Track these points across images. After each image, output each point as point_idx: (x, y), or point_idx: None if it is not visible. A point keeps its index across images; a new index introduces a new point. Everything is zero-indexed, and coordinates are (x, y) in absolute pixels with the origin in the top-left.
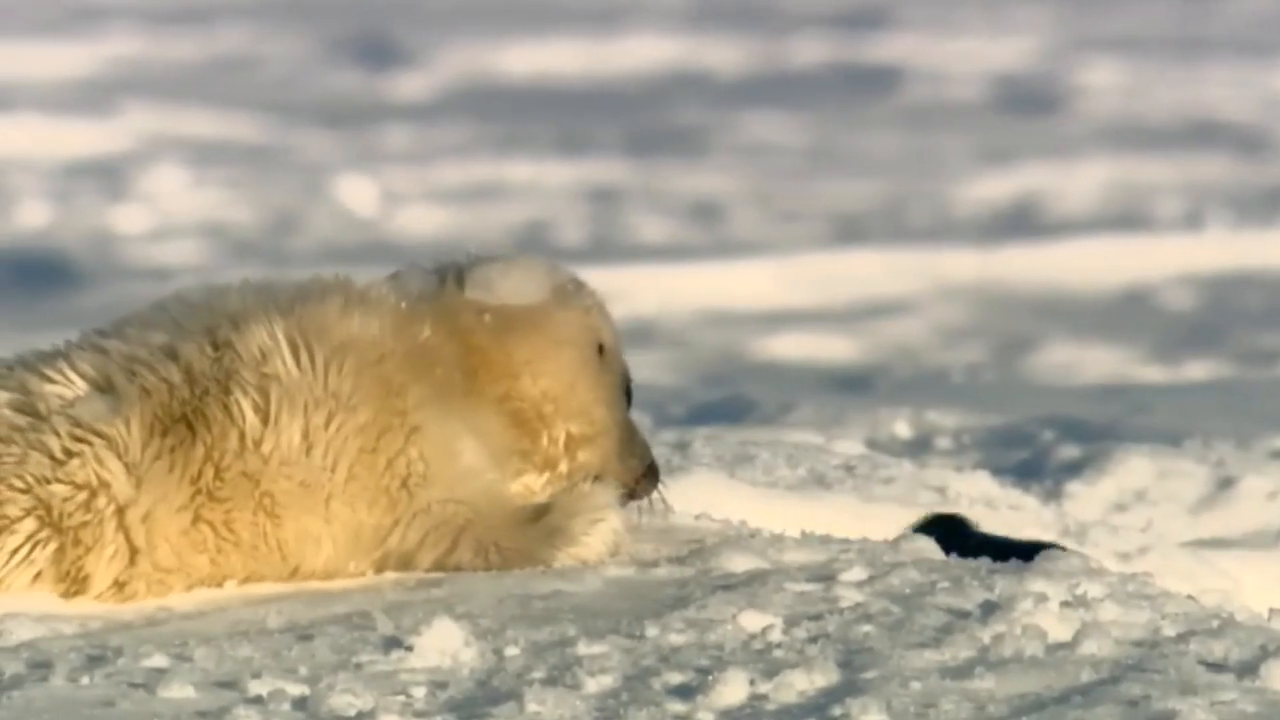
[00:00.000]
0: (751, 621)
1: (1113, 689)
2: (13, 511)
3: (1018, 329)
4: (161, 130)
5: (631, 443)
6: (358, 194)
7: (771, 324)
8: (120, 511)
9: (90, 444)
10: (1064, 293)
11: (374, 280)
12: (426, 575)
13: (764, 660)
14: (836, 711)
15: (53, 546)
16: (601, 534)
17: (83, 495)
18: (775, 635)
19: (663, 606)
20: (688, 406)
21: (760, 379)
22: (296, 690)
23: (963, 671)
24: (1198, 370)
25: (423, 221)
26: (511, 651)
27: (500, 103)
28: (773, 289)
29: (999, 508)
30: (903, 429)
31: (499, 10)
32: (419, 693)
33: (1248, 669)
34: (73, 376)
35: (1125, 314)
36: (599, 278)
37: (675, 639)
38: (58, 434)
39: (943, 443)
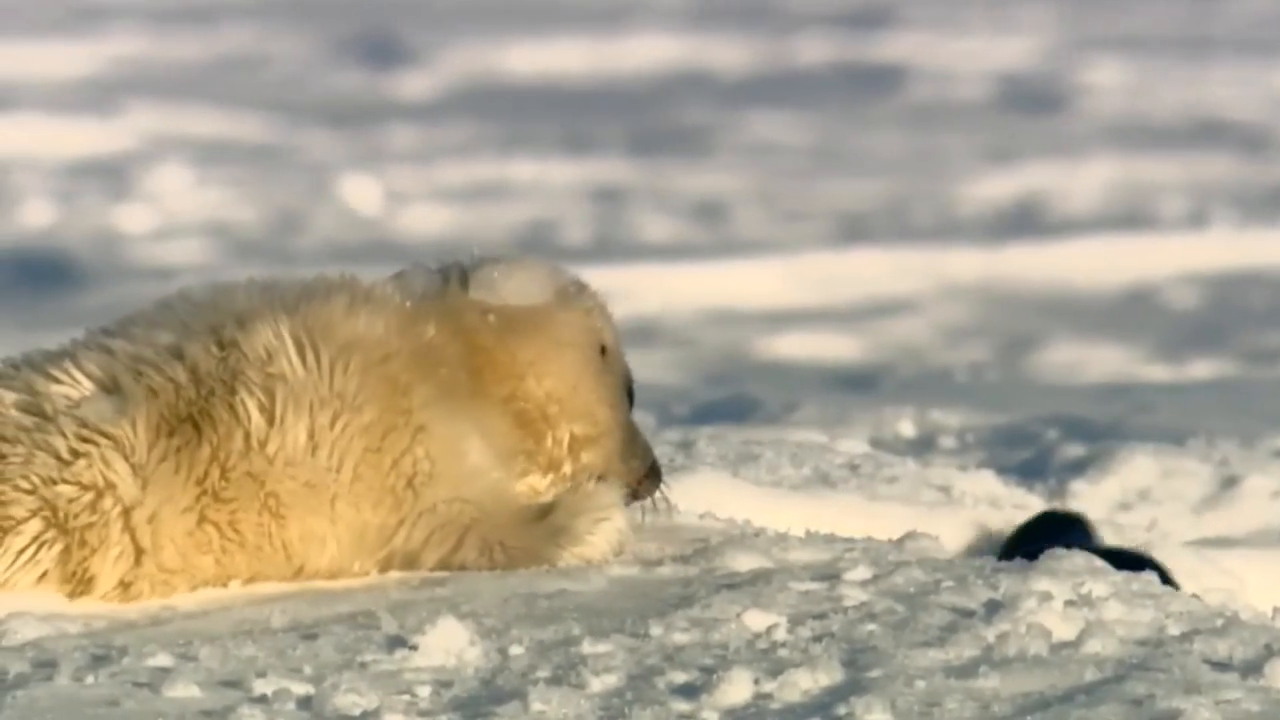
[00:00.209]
0: (756, 620)
1: (1117, 688)
2: (18, 512)
3: (1022, 328)
4: (165, 130)
5: (633, 443)
6: (362, 193)
7: (776, 323)
8: (126, 512)
9: (97, 445)
10: (1068, 292)
11: (378, 279)
12: (431, 574)
13: (768, 659)
14: (841, 710)
15: (58, 547)
16: (606, 533)
17: (89, 496)
18: (780, 634)
19: (667, 606)
20: (692, 406)
21: (764, 378)
22: (301, 689)
23: (967, 670)
24: (1202, 369)
25: (427, 221)
26: (516, 651)
27: (504, 102)
28: (777, 288)
29: (1003, 507)
30: (907, 428)
31: (503, 10)
32: (424, 692)
33: (1252, 668)
34: (79, 377)
35: (1129, 313)
36: (603, 277)
37: (680, 638)
38: (64, 434)
39: (947, 442)
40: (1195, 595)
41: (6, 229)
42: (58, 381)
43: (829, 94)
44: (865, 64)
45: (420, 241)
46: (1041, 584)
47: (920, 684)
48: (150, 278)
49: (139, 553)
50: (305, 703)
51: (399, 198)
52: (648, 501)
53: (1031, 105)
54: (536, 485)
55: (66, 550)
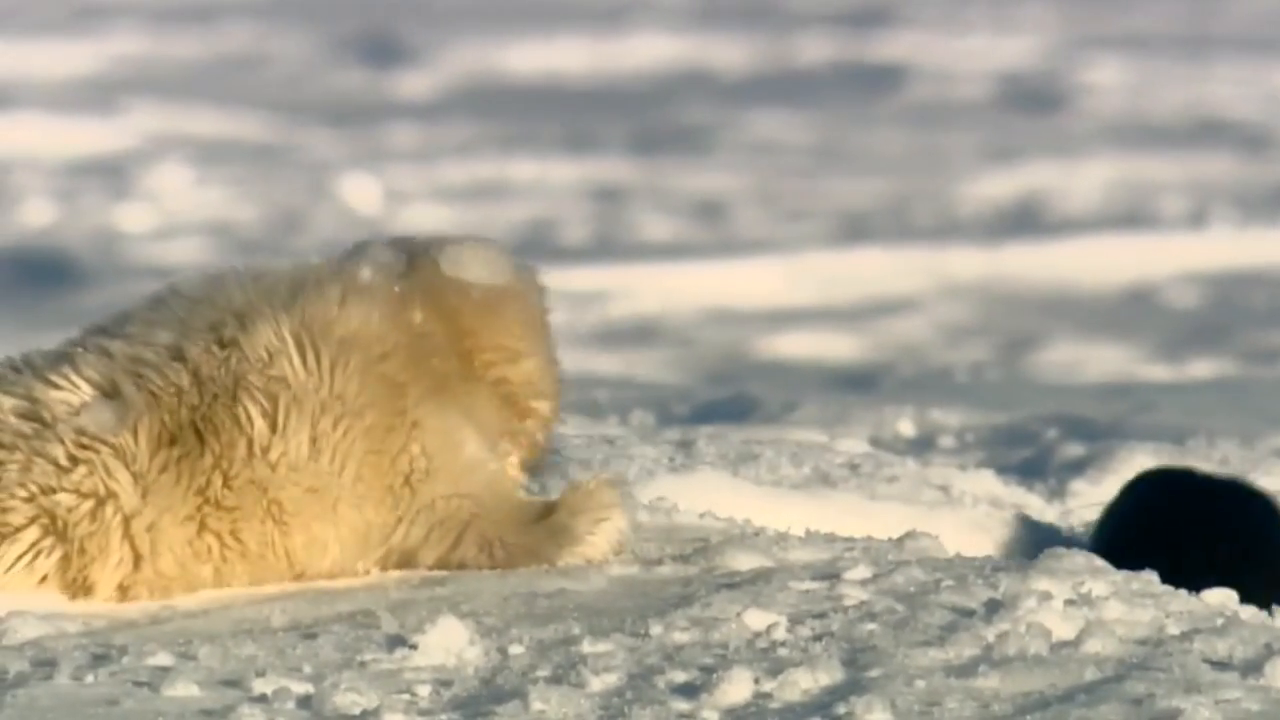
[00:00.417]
0: (756, 620)
1: (1117, 687)
2: (16, 519)
3: (1022, 327)
4: (166, 129)
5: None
6: (362, 192)
7: (776, 322)
8: (126, 521)
9: (98, 453)
10: (1068, 291)
11: (347, 258)
12: (431, 574)
13: (768, 659)
14: (841, 710)
15: (57, 554)
16: (606, 533)
17: (89, 504)
18: (779, 633)
19: (667, 605)
20: (692, 405)
21: (764, 377)
22: (301, 689)
23: (967, 670)
24: (1202, 369)
25: (427, 220)
26: (516, 650)
27: (505, 101)
28: (777, 287)
29: (1003, 506)
30: (907, 427)
31: (504, 9)
32: (423, 691)
33: (1252, 667)
34: (78, 381)
35: (1130, 312)
36: (603, 276)
37: (679, 637)
38: (63, 442)
39: (947, 441)
40: (1195, 594)
41: (7, 228)
42: (57, 387)
43: (830, 93)
44: (866, 63)
45: None
46: (1041, 583)
47: (920, 683)
48: (150, 277)
49: (137, 558)
50: (305, 702)
51: (399, 197)
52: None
53: (1032, 104)
54: (517, 466)
55: (65, 558)
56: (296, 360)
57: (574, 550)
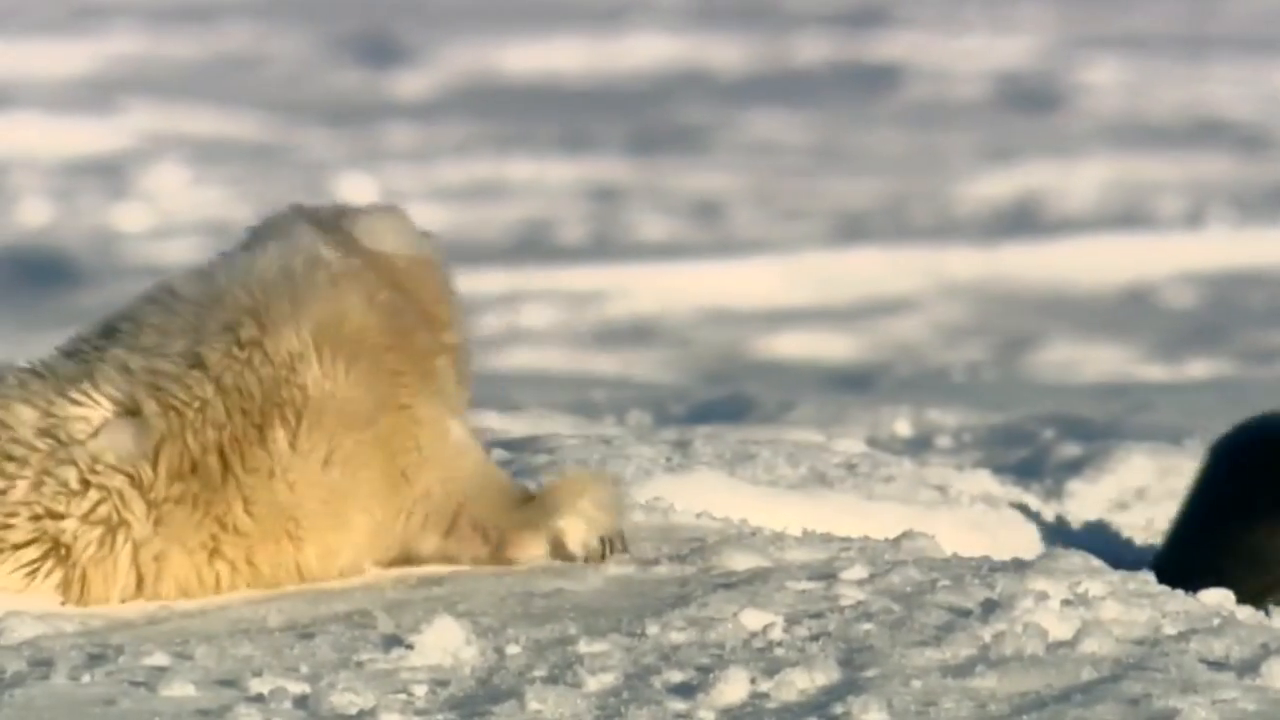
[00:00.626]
0: (752, 620)
1: (1113, 687)
2: (16, 537)
3: (1019, 327)
4: (163, 128)
5: None
6: (359, 192)
7: (773, 322)
8: (135, 549)
9: (113, 479)
10: (1065, 291)
11: (273, 236)
12: (427, 574)
13: (765, 658)
14: (837, 710)
15: (56, 577)
16: (590, 522)
17: (98, 532)
18: (776, 633)
19: (664, 605)
20: (688, 405)
21: (761, 377)
22: (297, 688)
23: (963, 670)
24: (1199, 369)
25: (424, 219)
26: (512, 650)
27: (502, 101)
28: (774, 287)
29: (999, 506)
30: (903, 427)
31: (501, 9)
32: (420, 691)
33: (1248, 667)
34: (99, 399)
35: (1127, 312)
36: (601, 276)
37: (676, 637)
38: (76, 464)
39: (943, 441)
40: (1192, 595)
41: (4, 228)
42: (77, 404)
43: (827, 93)
44: (863, 63)
45: None
46: (1038, 583)
47: (917, 683)
48: (147, 276)
49: (140, 582)
50: (302, 702)
51: (396, 196)
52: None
53: (1030, 104)
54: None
55: (65, 580)
56: (317, 368)
57: (558, 537)
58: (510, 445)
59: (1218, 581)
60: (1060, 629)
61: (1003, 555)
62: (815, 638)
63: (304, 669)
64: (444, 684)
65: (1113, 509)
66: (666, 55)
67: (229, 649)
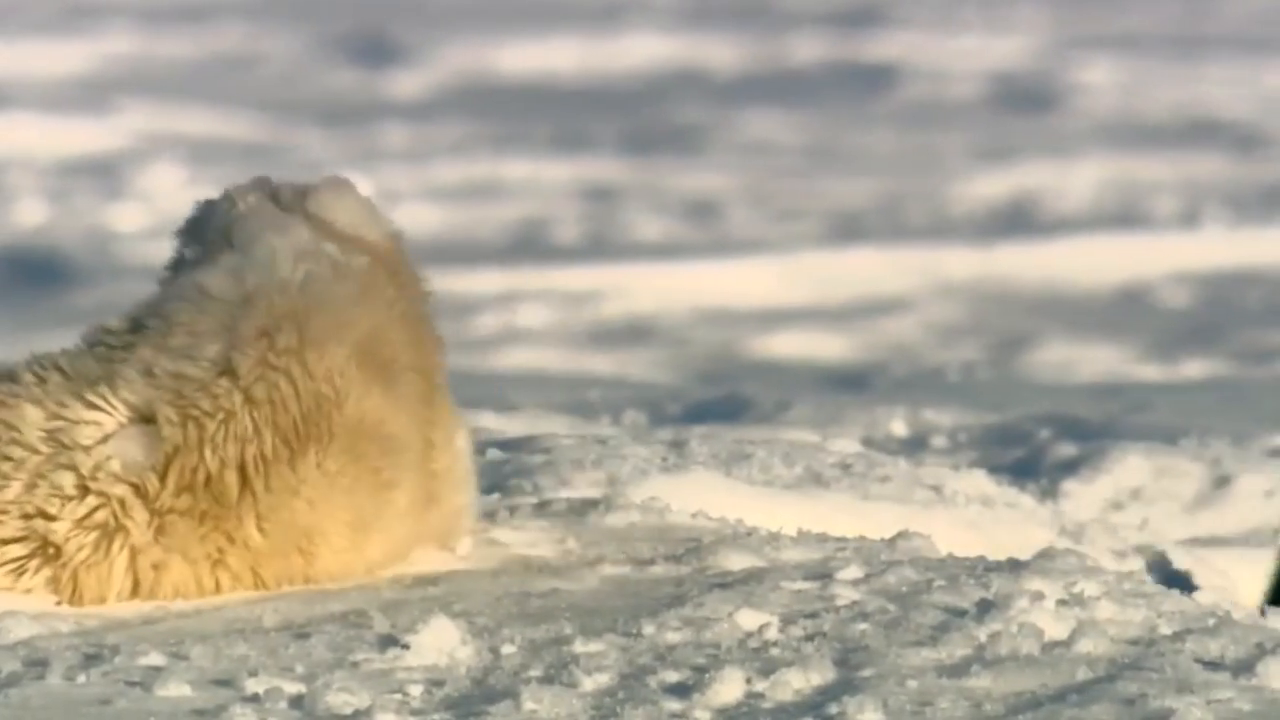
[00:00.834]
0: (748, 620)
1: (1109, 687)
2: (3, 533)
3: (1014, 327)
4: (158, 128)
5: None
6: None
7: (769, 322)
8: (133, 555)
9: (115, 487)
10: (1061, 291)
11: (249, 229)
12: (423, 574)
13: (760, 658)
14: (833, 710)
15: (44, 575)
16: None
17: (94, 536)
18: (772, 633)
19: (659, 605)
20: (684, 405)
21: (757, 377)
22: (293, 688)
23: (959, 670)
24: (1195, 368)
25: (419, 220)
26: (508, 650)
27: (498, 101)
28: (770, 287)
29: (995, 506)
30: (899, 427)
31: (496, 9)
32: (415, 691)
33: (1244, 667)
34: (115, 404)
35: (1122, 312)
36: (596, 276)
37: (672, 637)
38: (75, 470)
39: (939, 441)
40: (1187, 594)
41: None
42: (92, 407)
43: (823, 93)
44: (859, 63)
45: (413, 240)
46: (1033, 583)
47: (912, 683)
48: (143, 276)
49: (135, 587)
50: (297, 701)
51: (392, 196)
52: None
53: (1025, 104)
54: None
55: (54, 579)
56: (359, 387)
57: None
58: (506, 445)
59: None
60: (1055, 629)
61: (998, 555)
62: (811, 638)
63: (299, 669)
64: (439, 684)
65: (1108, 508)
66: (662, 55)
67: (224, 649)
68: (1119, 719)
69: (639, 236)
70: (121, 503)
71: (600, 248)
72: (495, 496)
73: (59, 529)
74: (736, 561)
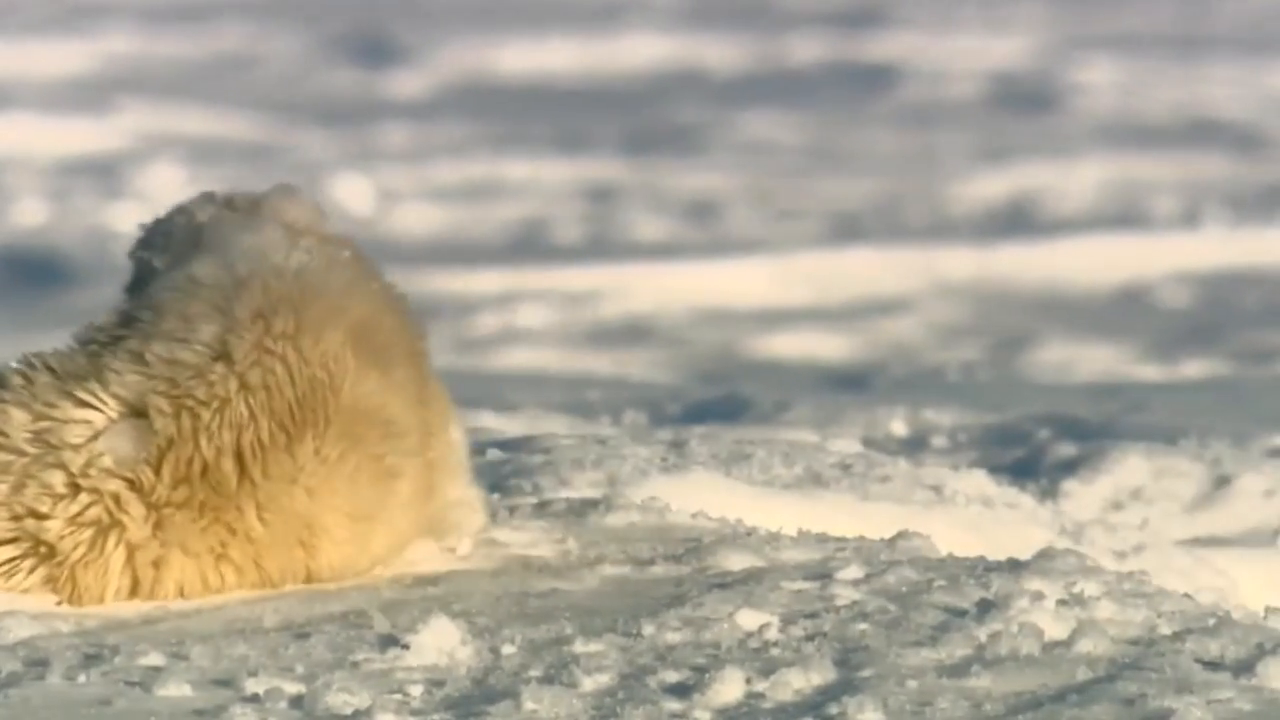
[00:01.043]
0: (748, 620)
1: (1109, 687)
2: None
3: (1014, 327)
4: (158, 128)
5: None
6: (354, 192)
7: (768, 322)
8: (131, 551)
9: (108, 483)
10: (1061, 291)
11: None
12: (423, 573)
13: (760, 658)
14: (833, 710)
15: (38, 575)
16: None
17: (88, 533)
18: (772, 633)
19: (659, 605)
20: (684, 405)
21: (757, 377)
22: (293, 689)
23: (959, 670)
24: (1194, 368)
25: (419, 220)
26: (508, 650)
27: (497, 101)
28: (770, 287)
29: (995, 506)
30: (899, 427)
31: (496, 9)
32: (416, 691)
33: (1244, 667)
34: (106, 399)
35: (1122, 312)
36: (596, 276)
37: (672, 637)
38: (64, 468)
39: (939, 441)
40: (1187, 594)
41: None
42: (83, 405)
43: (822, 93)
44: (858, 63)
45: (413, 240)
46: (1033, 583)
47: (912, 683)
48: None
49: (135, 585)
50: (297, 702)
51: (392, 197)
52: None
53: (1024, 104)
54: None
55: (51, 579)
56: (355, 372)
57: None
58: (506, 445)
59: None
60: (1055, 629)
61: (998, 555)
62: (811, 638)
63: (299, 669)
64: (439, 684)
65: (1107, 508)
66: (662, 55)
67: (224, 649)
68: (1119, 719)
69: (639, 236)
70: (116, 498)
71: (600, 248)
72: (495, 497)
73: (51, 528)
74: (736, 561)
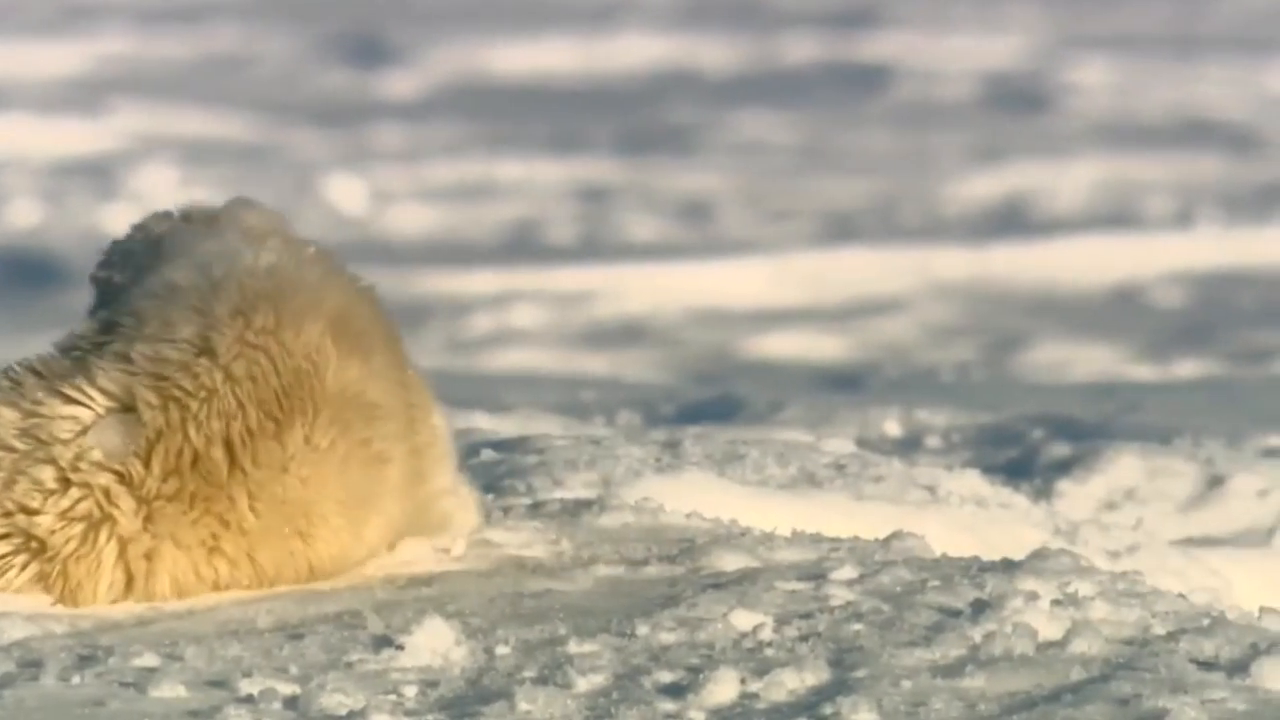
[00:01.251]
0: (742, 620)
1: (1103, 687)
2: None
3: (1008, 327)
4: (152, 129)
5: None
6: (348, 193)
7: (762, 323)
8: (123, 545)
9: (98, 476)
10: (1054, 291)
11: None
12: (417, 574)
13: (754, 659)
14: (827, 710)
15: (31, 572)
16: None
17: (79, 528)
18: (766, 634)
19: (653, 605)
20: (678, 405)
21: (750, 378)
22: (287, 689)
23: (953, 670)
24: (1188, 368)
25: (413, 220)
26: (502, 650)
27: (491, 101)
28: (763, 288)
29: (989, 506)
30: (893, 427)
31: (490, 9)
32: (410, 692)
33: (1238, 667)
34: (93, 394)
35: (1116, 312)
36: (590, 276)
37: (666, 637)
38: (54, 464)
39: (933, 441)
40: (1181, 594)
41: None
42: (70, 401)
43: (816, 93)
44: (853, 63)
45: (406, 240)
46: (1028, 583)
47: (906, 683)
48: None
49: (129, 581)
50: (291, 703)
51: (385, 197)
52: None
53: (1018, 104)
54: None
55: (43, 575)
56: (336, 361)
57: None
58: (500, 446)
59: None
60: (1050, 629)
61: (992, 555)
62: (805, 638)
63: (293, 670)
64: (434, 685)
65: (1101, 508)
66: (656, 55)
67: (218, 650)
68: (1113, 719)
69: (632, 237)
70: (106, 492)
71: (594, 248)
72: (489, 497)
73: (42, 523)
74: (730, 562)
